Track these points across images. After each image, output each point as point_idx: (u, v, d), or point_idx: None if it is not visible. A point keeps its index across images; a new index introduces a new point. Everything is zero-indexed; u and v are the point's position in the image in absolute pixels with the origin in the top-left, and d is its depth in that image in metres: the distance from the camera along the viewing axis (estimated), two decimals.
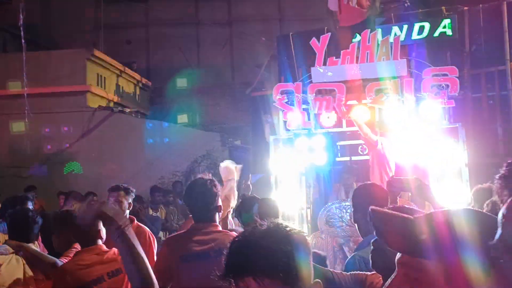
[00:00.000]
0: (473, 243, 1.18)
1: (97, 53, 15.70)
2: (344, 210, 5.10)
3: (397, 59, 5.83)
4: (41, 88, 13.91)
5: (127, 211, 4.07)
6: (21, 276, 3.47)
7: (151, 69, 20.73)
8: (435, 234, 1.22)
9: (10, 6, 16.40)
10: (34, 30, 16.83)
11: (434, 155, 5.62)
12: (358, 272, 2.28)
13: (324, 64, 6.03)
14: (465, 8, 8.81)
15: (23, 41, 12.86)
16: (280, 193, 5.91)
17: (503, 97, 8.82)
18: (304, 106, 6.06)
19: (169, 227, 8.77)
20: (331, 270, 2.27)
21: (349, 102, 5.96)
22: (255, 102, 13.86)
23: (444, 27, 8.24)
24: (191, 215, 3.40)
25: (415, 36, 8.23)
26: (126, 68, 17.86)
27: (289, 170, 6.14)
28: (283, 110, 6.12)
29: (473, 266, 1.16)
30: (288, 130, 6.21)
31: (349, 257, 3.16)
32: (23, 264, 3.52)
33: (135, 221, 4.12)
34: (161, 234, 8.16)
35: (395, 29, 8.08)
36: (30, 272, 3.53)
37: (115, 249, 3.16)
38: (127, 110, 16.21)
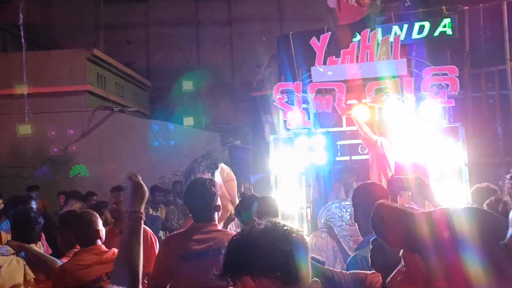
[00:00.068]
0: (475, 241, 1.18)
1: (97, 53, 15.71)
2: (344, 210, 5.10)
3: (397, 58, 5.83)
4: (41, 88, 13.91)
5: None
6: (21, 277, 3.47)
7: (151, 69, 20.74)
8: (435, 231, 1.22)
9: (10, 5, 16.40)
10: (34, 30, 16.82)
11: (434, 155, 5.62)
12: (358, 271, 2.28)
13: (324, 63, 6.02)
14: (465, 7, 8.81)
15: (23, 40, 12.86)
16: (280, 193, 5.90)
17: (503, 97, 8.82)
18: (304, 106, 6.05)
19: (169, 227, 8.77)
20: (330, 269, 2.27)
21: (349, 102, 5.96)
22: (255, 102, 13.86)
23: (444, 26, 8.24)
24: (190, 215, 3.42)
25: (415, 35, 8.23)
26: (126, 68, 17.86)
27: (289, 169, 6.14)
28: (283, 110, 6.12)
29: (474, 265, 1.15)
30: (288, 129, 6.21)
31: (350, 255, 3.16)
32: (24, 266, 3.52)
33: None
34: (161, 233, 8.16)
35: (395, 28, 8.08)
36: (31, 274, 3.53)
37: (114, 249, 3.16)
38: (127, 110, 16.22)
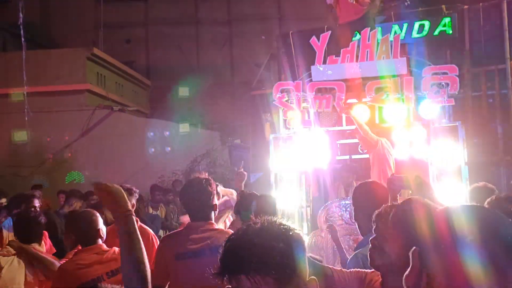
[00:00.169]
0: (476, 240, 1.18)
1: (97, 52, 15.71)
2: (344, 209, 5.10)
3: (397, 57, 5.82)
4: (41, 87, 13.91)
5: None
6: (22, 278, 3.48)
7: (150, 68, 20.75)
8: (434, 229, 1.22)
9: (10, 5, 16.39)
10: (34, 29, 16.83)
11: (433, 154, 5.62)
12: (358, 269, 2.29)
13: (324, 62, 6.02)
14: (465, 6, 8.81)
15: (22, 40, 12.86)
16: (280, 192, 5.90)
17: (503, 96, 8.83)
18: (304, 105, 6.05)
19: (169, 226, 8.77)
20: (330, 267, 2.27)
21: (349, 101, 5.96)
22: (255, 101, 13.86)
23: (444, 25, 8.24)
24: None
25: (415, 34, 8.23)
26: (126, 67, 17.86)
27: (289, 168, 6.14)
28: (283, 109, 6.11)
29: (474, 264, 1.15)
30: (288, 128, 6.21)
31: (349, 255, 3.16)
32: (25, 266, 3.53)
33: (138, 222, 4.10)
34: (161, 232, 8.17)
35: (395, 27, 8.07)
36: (31, 274, 3.53)
37: (115, 248, 3.16)
38: (127, 109, 16.22)
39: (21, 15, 12.54)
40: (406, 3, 9.54)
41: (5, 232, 4.54)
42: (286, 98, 6.05)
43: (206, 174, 3.42)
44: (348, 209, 4.94)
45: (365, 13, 7.22)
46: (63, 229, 4.48)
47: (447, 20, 8.29)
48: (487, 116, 8.95)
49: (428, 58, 6.93)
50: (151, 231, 4.20)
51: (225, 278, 1.24)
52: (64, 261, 3.42)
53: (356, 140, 6.50)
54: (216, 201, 3.27)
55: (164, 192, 9.74)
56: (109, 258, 3.14)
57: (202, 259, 3.00)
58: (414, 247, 1.34)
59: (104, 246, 3.25)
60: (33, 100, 13.10)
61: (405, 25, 8.29)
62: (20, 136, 13.01)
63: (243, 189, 5.02)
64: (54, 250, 4.15)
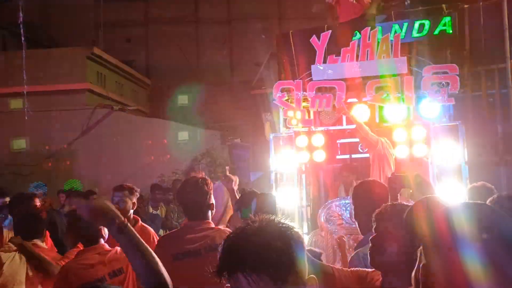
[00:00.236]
0: (475, 239, 1.18)
1: (97, 51, 15.71)
2: (344, 208, 5.10)
3: (398, 56, 5.82)
4: (41, 86, 13.92)
5: (131, 211, 4.06)
6: (24, 274, 3.49)
7: (150, 67, 20.74)
8: (434, 228, 1.22)
9: (10, 4, 16.38)
10: (34, 28, 16.82)
11: (434, 153, 5.62)
12: (359, 268, 2.29)
13: (324, 62, 6.02)
14: (465, 5, 8.80)
15: (23, 39, 12.86)
16: (280, 191, 5.91)
17: (503, 95, 8.82)
18: (304, 104, 6.05)
19: (169, 225, 8.76)
20: (331, 265, 2.27)
21: (349, 100, 5.96)
22: (255, 100, 13.86)
23: (444, 25, 8.21)
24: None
25: (415, 34, 8.20)
26: (126, 66, 17.86)
27: (289, 167, 6.14)
28: (283, 108, 6.11)
29: (473, 262, 1.15)
30: (288, 127, 6.21)
31: (350, 254, 3.16)
32: (26, 262, 3.54)
33: (140, 221, 4.10)
34: (161, 232, 8.17)
35: (395, 27, 8.06)
36: (33, 270, 3.55)
37: (117, 248, 3.16)
38: (127, 108, 16.22)
39: (21, 14, 12.55)
40: (406, 3, 9.53)
41: (5, 231, 4.55)
42: (286, 98, 6.05)
43: (203, 173, 3.42)
44: (348, 208, 4.94)
45: (365, 12, 7.22)
46: (63, 229, 4.49)
47: (447, 19, 8.27)
48: (487, 115, 8.95)
49: (428, 58, 6.92)
50: (152, 230, 4.19)
51: (224, 277, 1.25)
52: (65, 261, 3.43)
53: (356, 140, 6.50)
54: (213, 200, 3.26)
55: (165, 192, 9.74)
56: (112, 258, 3.14)
57: (199, 258, 3.00)
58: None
59: (106, 246, 3.25)
60: (33, 99, 13.10)
61: (405, 25, 8.27)
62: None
63: (236, 191, 4.91)
64: (55, 249, 4.15)
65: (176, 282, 3.05)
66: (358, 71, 5.90)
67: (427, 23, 8.28)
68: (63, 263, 3.48)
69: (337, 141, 6.78)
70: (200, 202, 3.18)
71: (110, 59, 16.59)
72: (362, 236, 3.14)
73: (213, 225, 3.27)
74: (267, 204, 3.59)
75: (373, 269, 2.16)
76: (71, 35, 18.69)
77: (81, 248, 3.43)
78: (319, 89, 6.01)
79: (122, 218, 1.81)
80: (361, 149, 6.66)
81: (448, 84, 5.55)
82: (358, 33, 6.28)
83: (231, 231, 3.46)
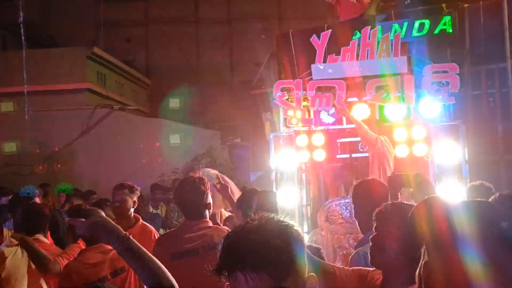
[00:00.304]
0: (476, 237, 1.17)
1: (97, 51, 15.71)
2: (344, 207, 5.10)
3: (398, 56, 5.82)
4: (41, 86, 13.92)
5: (132, 210, 4.06)
6: (25, 267, 3.51)
7: (150, 67, 20.74)
8: (436, 226, 1.22)
9: (10, 4, 16.39)
10: (34, 28, 16.82)
11: (434, 152, 5.62)
12: (360, 267, 2.28)
13: (324, 61, 6.02)
14: (465, 5, 8.80)
15: (23, 39, 12.87)
16: (280, 191, 5.91)
17: (503, 95, 8.82)
18: (304, 103, 6.05)
19: (169, 224, 8.76)
20: (332, 264, 2.27)
21: (349, 99, 5.96)
22: (255, 100, 13.86)
23: (444, 24, 8.22)
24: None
25: (415, 33, 8.21)
26: (126, 66, 17.87)
27: (289, 167, 6.14)
28: (283, 107, 6.12)
29: (475, 261, 1.15)
30: (288, 127, 6.21)
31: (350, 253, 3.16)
32: (28, 256, 3.56)
33: (141, 220, 4.10)
34: (161, 231, 8.17)
35: (396, 26, 8.06)
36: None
37: None
38: (127, 108, 16.23)
39: (21, 14, 12.55)
40: (406, 2, 9.53)
41: (5, 230, 4.57)
42: (287, 97, 6.06)
43: (200, 173, 3.43)
44: (348, 207, 4.94)
45: (365, 12, 7.23)
46: (64, 228, 4.50)
47: (447, 18, 8.27)
48: (487, 114, 8.94)
49: (428, 57, 6.93)
50: (153, 228, 4.20)
51: (224, 275, 1.25)
52: (65, 257, 3.45)
53: (356, 139, 6.50)
54: (210, 200, 3.28)
55: (165, 191, 9.73)
56: (114, 257, 3.15)
57: (197, 257, 3.02)
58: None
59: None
60: (33, 99, 13.10)
61: (405, 24, 8.27)
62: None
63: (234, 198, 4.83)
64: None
65: (175, 280, 3.08)
66: (358, 71, 5.90)
67: (427, 22, 8.28)
68: (61, 258, 3.51)
69: (337, 140, 6.78)
70: (197, 202, 3.20)
71: (110, 59, 16.60)
72: (362, 235, 3.14)
73: (211, 224, 3.28)
74: (268, 202, 3.59)
75: (374, 268, 2.15)
76: (71, 35, 18.68)
77: (81, 244, 3.45)
78: (319, 89, 6.01)
79: (122, 230, 1.80)
80: (361, 148, 6.66)
81: (448, 83, 5.55)
82: (358, 33, 6.29)
83: (229, 229, 3.48)
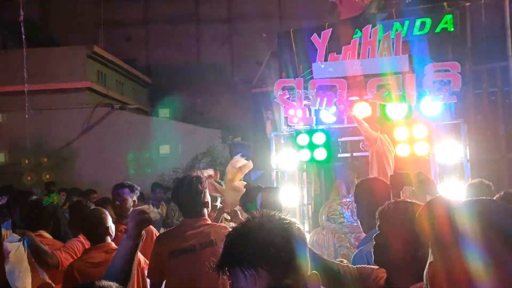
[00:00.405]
0: (478, 236, 1.16)
1: (97, 50, 15.70)
2: (345, 206, 5.09)
3: (399, 54, 5.82)
4: (42, 85, 13.91)
5: (131, 209, 4.07)
6: (27, 261, 3.52)
7: (151, 66, 20.72)
8: (435, 225, 1.20)
9: (10, 3, 16.38)
10: (34, 27, 16.80)
11: (436, 151, 5.61)
12: (364, 265, 2.27)
13: (325, 59, 6.01)
14: (467, 3, 8.77)
15: (23, 38, 12.85)
16: (281, 189, 5.89)
17: (505, 93, 8.80)
18: (305, 102, 6.04)
19: (170, 224, 8.76)
20: (337, 262, 2.26)
21: (350, 98, 5.95)
22: (256, 99, 13.84)
23: (446, 22, 8.19)
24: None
25: (416, 32, 8.19)
26: (126, 65, 17.86)
27: (290, 166, 6.13)
28: (285, 106, 6.11)
29: (476, 262, 1.13)
30: (289, 126, 6.20)
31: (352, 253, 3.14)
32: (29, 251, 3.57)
33: None
34: (162, 230, 8.17)
35: (397, 25, 8.04)
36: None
37: None
38: (127, 107, 16.21)
39: (21, 13, 12.53)
40: (407, 1, 9.50)
41: (3, 231, 4.56)
42: (288, 96, 6.04)
43: (197, 172, 3.47)
44: (349, 206, 4.93)
45: (365, 10, 7.21)
46: (65, 227, 4.50)
47: (448, 17, 8.25)
48: (489, 113, 8.93)
49: (429, 56, 6.91)
50: (154, 229, 4.22)
51: (225, 272, 1.25)
52: (65, 250, 3.51)
53: (357, 138, 6.49)
54: (208, 198, 3.30)
55: (165, 190, 9.74)
56: None
57: (194, 254, 3.07)
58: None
59: (113, 245, 3.28)
60: (34, 98, 13.09)
61: (407, 23, 8.24)
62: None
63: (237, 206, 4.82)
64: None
65: (174, 278, 3.12)
66: (359, 69, 5.90)
67: (428, 21, 8.25)
68: (60, 252, 3.52)
69: (338, 139, 6.77)
70: (195, 201, 3.24)
71: (110, 58, 16.58)
72: (364, 235, 3.12)
73: (209, 222, 3.30)
74: (272, 199, 3.58)
75: (378, 267, 2.14)
76: (71, 34, 18.66)
77: (81, 239, 3.46)
78: (320, 87, 6.00)
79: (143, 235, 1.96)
80: (362, 147, 6.66)
81: (450, 82, 5.54)
82: (359, 31, 6.27)
83: (226, 226, 3.48)
